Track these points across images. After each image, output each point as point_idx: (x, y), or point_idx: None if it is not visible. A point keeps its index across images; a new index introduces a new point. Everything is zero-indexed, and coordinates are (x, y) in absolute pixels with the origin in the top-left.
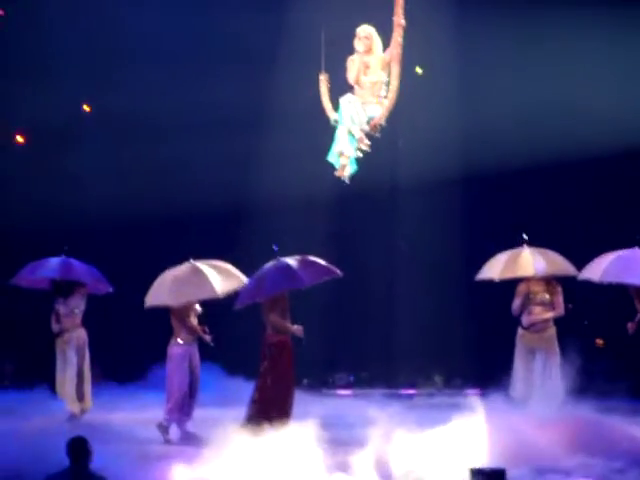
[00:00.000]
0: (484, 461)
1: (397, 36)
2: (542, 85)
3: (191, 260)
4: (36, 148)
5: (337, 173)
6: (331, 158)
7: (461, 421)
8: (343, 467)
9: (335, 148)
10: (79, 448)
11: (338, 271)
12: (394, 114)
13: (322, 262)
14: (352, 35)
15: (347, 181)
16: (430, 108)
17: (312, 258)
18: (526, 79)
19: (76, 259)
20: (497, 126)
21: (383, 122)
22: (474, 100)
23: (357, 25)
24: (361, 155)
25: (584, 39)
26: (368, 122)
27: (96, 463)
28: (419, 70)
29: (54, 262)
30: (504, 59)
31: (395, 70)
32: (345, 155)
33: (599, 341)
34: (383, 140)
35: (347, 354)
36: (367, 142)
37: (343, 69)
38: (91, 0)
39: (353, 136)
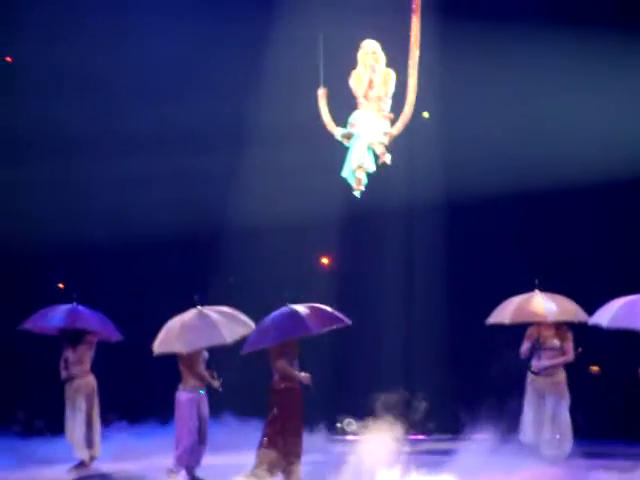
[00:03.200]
0: None
1: (414, 49)
2: (527, 111)
3: (198, 306)
4: None
5: (355, 186)
6: (345, 173)
7: (472, 467)
8: None
9: (352, 163)
10: None
11: (347, 320)
12: None
13: (330, 310)
14: (349, 49)
15: (358, 195)
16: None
17: (321, 306)
18: (511, 105)
19: (86, 307)
20: (484, 153)
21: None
22: (456, 130)
23: (354, 39)
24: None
25: (569, 65)
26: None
27: None
28: (426, 115)
29: (62, 310)
30: (489, 85)
31: (412, 83)
32: (363, 169)
33: (594, 368)
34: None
35: (355, 399)
36: (389, 156)
37: (341, 83)
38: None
39: (373, 150)
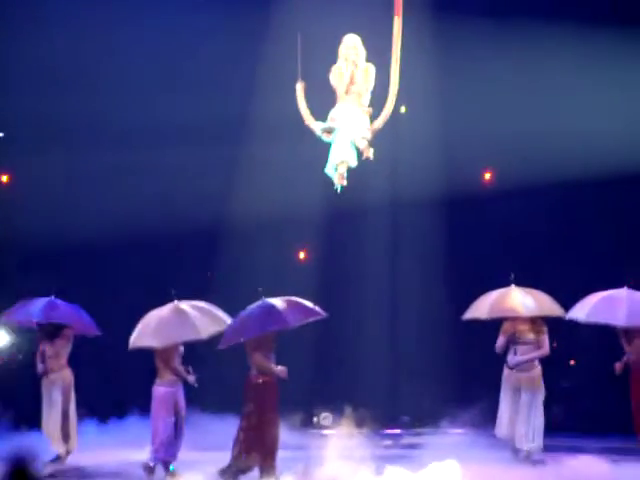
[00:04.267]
0: None
1: (396, 41)
2: (527, 105)
3: (175, 301)
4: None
5: (337, 181)
6: (328, 170)
7: (447, 460)
8: None
9: (335, 158)
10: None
11: (323, 312)
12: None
13: (307, 303)
14: (330, 44)
15: (339, 190)
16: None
17: (297, 299)
18: (524, 101)
19: (64, 300)
20: (485, 148)
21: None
22: (457, 120)
23: (335, 34)
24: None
25: (569, 61)
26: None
27: None
28: (403, 109)
29: (40, 303)
30: (486, 78)
31: (394, 77)
32: (346, 164)
33: (571, 362)
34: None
35: (332, 393)
36: (372, 151)
37: (319, 77)
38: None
39: (355, 145)
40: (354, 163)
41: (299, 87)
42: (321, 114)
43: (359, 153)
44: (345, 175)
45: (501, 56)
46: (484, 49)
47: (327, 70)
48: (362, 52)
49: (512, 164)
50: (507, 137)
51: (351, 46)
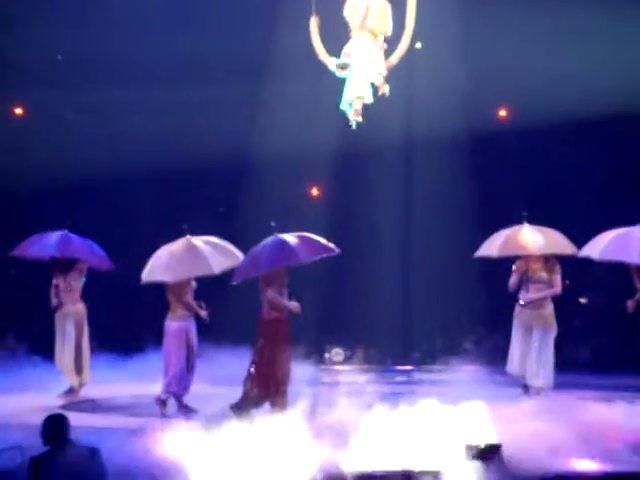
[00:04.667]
0: (480, 437)
1: None
2: (543, 45)
3: (187, 236)
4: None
5: (352, 117)
6: (343, 105)
7: (458, 396)
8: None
9: (349, 94)
10: (53, 428)
11: (335, 248)
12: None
13: (320, 239)
14: None
15: (354, 126)
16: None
17: (309, 235)
18: (527, 41)
19: (77, 234)
20: (501, 86)
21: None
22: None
23: None
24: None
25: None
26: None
27: (92, 436)
28: (419, 45)
29: (54, 237)
30: (503, 16)
31: (411, 11)
32: (362, 100)
33: (582, 299)
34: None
35: (344, 330)
36: (387, 87)
37: (334, 12)
38: None
39: (371, 82)
40: (370, 99)
41: (313, 22)
42: (335, 50)
43: (375, 89)
44: (360, 111)
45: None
46: None
47: (342, 5)
48: None
49: (528, 102)
50: (523, 75)
51: None
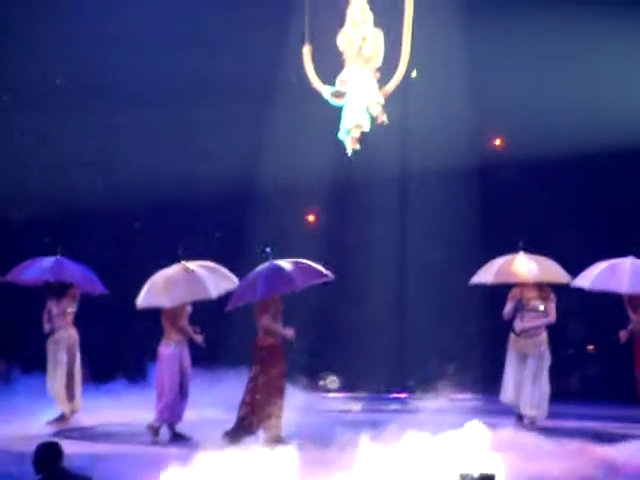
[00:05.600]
0: (474, 466)
1: (408, 5)
2: (548, 75)
3: (182, 261)
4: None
5: (350, 146)
6: (341, 134)
7: (452, 425)
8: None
9: (348, 123)
10: (45, 457)
11: (330, 275)
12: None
13: (315, 265)
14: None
15: (351, 154)
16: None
17: (305, 261)
18: (536, 71)
19: (70, 259)
20: (497, 115)
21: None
22: (483, 89)
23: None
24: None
25: (591, 33)
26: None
27: (84, 463)
28: (414, 74)
29: (47, 262)
30: (513, 51)
31: (406, 39)
32: (360, 128)
33: (590, 347)
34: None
35: (339, 357)
36: (385, 116)
37: (327, 40)
38: None
39: (368, 110)
40: (368, 127)
41: (306, 50)
42: (327, 77)
43: (373, 118)
44: (358, 139)
45: (515, 27)
46: (497, 20)
47: (334, 33)
48: (370, 15)
49: (525, 131)
50: (520, 104)
51: (359, 9)
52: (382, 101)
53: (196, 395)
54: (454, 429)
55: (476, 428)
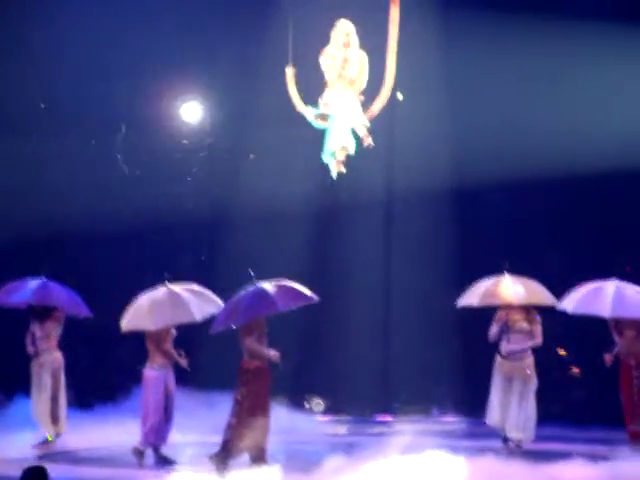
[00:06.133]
0: None
1: (393, 30)
2: (531, 98)
3: (167, 283)
4: None
5: (335, 168)
6: (326, 157)
7: (437, 449)
8: None
9: (333, 145)
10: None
11: (315, 297)
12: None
13: (299, 287)
14: (320, 30)
15: (334, 177)
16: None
17: (289, 283)
18: (515, 91)
19: (55, 282)
20: (486, 139)
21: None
22: (462, 112)
23: (326, 20)
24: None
25: (572, 55)
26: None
27: None
28: (400, 96)
29: (32, 285)
30: (494, 70)
31: (390, 64)
32: (345, 150)
33: (575, 370)
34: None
35: (324, 379)
36: (371, 139)
37: (311, 63)
38: None
39: (354, 133)
40: (353, 150)
41: (289, 72)
42: (311, 99)
43: (359, 140)
44: (343, 162)
45: (498, 48)
46: (479, 41)
47: (318, 55)
48: (355, 38)
49: (511, 154)
50: (505, 127)
51: (343, 32)
52: (367, 123)
53: (181, 418)
54: (439, 452)
55: (461, 451)
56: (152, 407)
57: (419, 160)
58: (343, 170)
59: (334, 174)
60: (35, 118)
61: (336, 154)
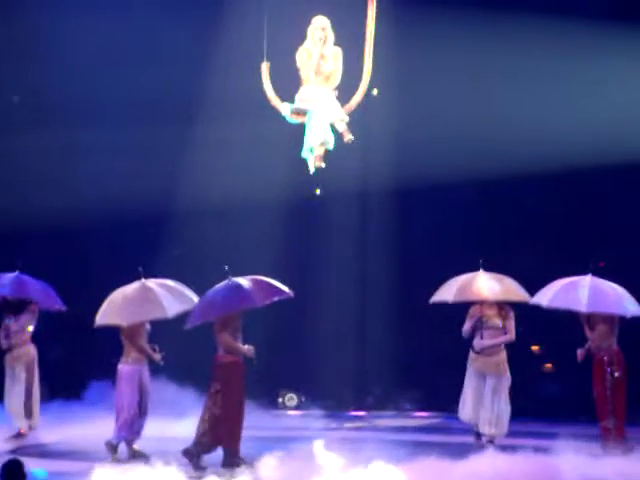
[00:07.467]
0: None
1: (370, 26)
2: (487, 96)
3: (142, 279)
4: None
5: (314, 164)
6: (305, 153)
7: (410, 444)
8: None
9: (312, 141)
10: (12, 473)
11: (290, 292)
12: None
13: (274, 282)
14: (295, 24)
15: (312, 172)
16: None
17: (264, 278)
18: (498, 87)
19: (30, 276)
20: (458, 133)
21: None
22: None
23: (300, 14)
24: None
25: (532, 53)
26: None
27: None
28: (375, 92)
29: (6, 279)
30: (447, 69)
31: (367, 60)
32: (324, 146)
33: (548, 365)
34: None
35: (298, 374)
36: (350, 134)
37: (286, 57)
38: None
39: (333, 128)
40: (332, 145)
41: (264, 67)
42: (285, 95)
43: (338, 136)
44: (322, 157)
45: (461, 46)
46: (445, 38)
47: (293, 51)
48: (331, 34)
49: (486, 150)
50: (480, 122)
51: (319, 27)
52: (346, 118)
53: (155, 413)
54: (412, 447)
55: (434, 446)
56: (126, 402)
57: (392, 156)
58: (322, 165)
59: (312, 169)
60: (6, 110)
61: (315, 149)
